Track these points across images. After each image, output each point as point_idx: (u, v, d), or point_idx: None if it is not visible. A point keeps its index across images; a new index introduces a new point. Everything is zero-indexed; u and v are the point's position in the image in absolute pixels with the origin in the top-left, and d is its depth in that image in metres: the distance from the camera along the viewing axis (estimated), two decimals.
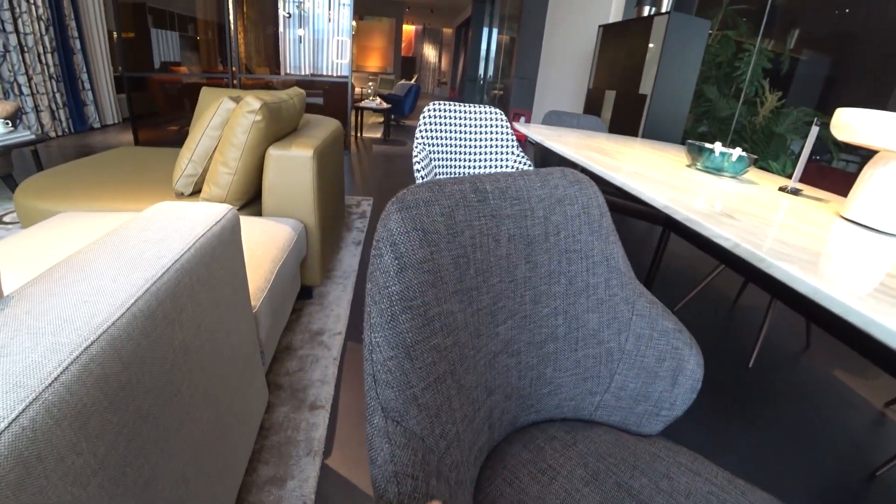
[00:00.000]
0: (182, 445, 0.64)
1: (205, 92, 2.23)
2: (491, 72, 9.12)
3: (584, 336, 0.75)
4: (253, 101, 1.44)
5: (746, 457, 1.34)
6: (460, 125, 1.88)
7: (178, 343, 0.63)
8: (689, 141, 1.46)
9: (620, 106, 3.55)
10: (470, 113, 1.89)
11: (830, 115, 1.09)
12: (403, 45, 15.01)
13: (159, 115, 5.32)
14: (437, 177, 1.85)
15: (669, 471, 0.68)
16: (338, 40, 6.34)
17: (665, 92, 3.16)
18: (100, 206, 1.57)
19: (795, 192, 1.32)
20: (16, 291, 0.51)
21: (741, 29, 4.35)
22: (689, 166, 1.44)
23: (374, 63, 13.94)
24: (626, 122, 3.43)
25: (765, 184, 1.39)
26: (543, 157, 2.60)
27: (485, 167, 1.96)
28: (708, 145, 1.37)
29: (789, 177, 2.05)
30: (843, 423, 1.59)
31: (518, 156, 1.95)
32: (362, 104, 6.36)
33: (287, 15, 6.19)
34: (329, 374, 1.43)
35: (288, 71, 6.29)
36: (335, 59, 6.41)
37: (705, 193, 1.09)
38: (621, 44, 3.64)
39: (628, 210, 1.96)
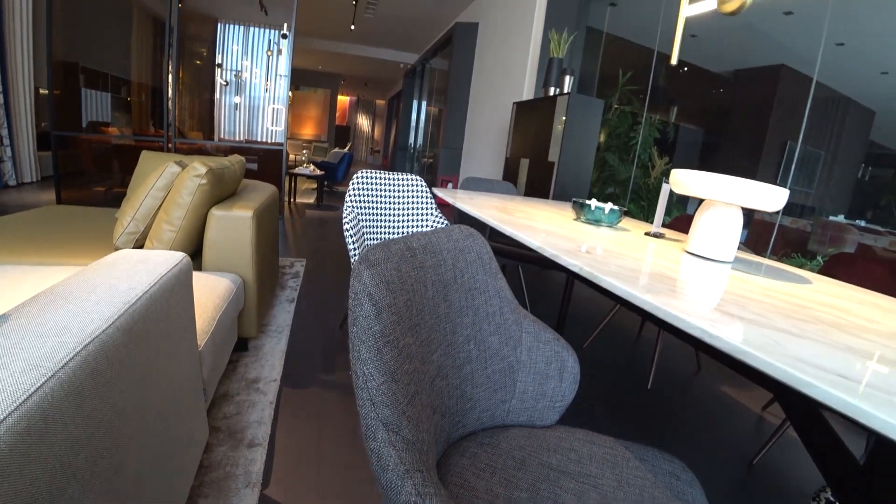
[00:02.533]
0: (140, 451, 0.75)
1: (145, 155, 2.34)
2: (421, 141, 9.70)
3: (490, 355, 0.95)
4: (199, 167, 1.60)
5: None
6: (386, 191, 2.12)
7: (144, 359, 0.75)
8: (574, 199, 1.77)
9: (533, 172, 3.99)
10: (394, 180, 2.13)
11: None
12: (338, 114, 15.59)
13: (84, 175, 5.20)
14: (365, 237, 2.06)
15: (573, 445, 0.87)
16: (273, 108, 6.59)
17: (570, 159, 3.62)
18: (35, 262, 1.61)
19: (658, 235, 1.64)
20: (12, 310, 0.63)
21: (635, 105, 5.08)
22: (575, 220, 1.74)
23: (308, 131, 14.32)
24: (539, 186, 3.85)
25: (635, 231, 1.71)
26: (461, 218, 2.88)
27: (408, 228, 2.18)
28: (587, 202, 1.68)
29: (671, 226, 2.44)
30: (728, 426, 1.88)
31: (436, 217, 2.20)
32: (296, 171, 6.55)
33: (224, 83, 6.40)
34: (265, 415, 1.52)
35: (222, 136, 6.40)
36: (270, 127, 6.63)
37: (582, 239, 1.36)
38: (532, 118, 4.14)
39: (525, 258, 2.23)
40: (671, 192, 1.64)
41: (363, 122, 16.85)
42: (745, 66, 5.98)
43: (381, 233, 2.14)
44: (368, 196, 2.07)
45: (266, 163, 5.85)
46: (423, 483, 0.49)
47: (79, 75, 5.84)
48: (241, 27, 6.63)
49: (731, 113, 5.91)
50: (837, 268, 1.85)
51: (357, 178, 2.06)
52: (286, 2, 5.58)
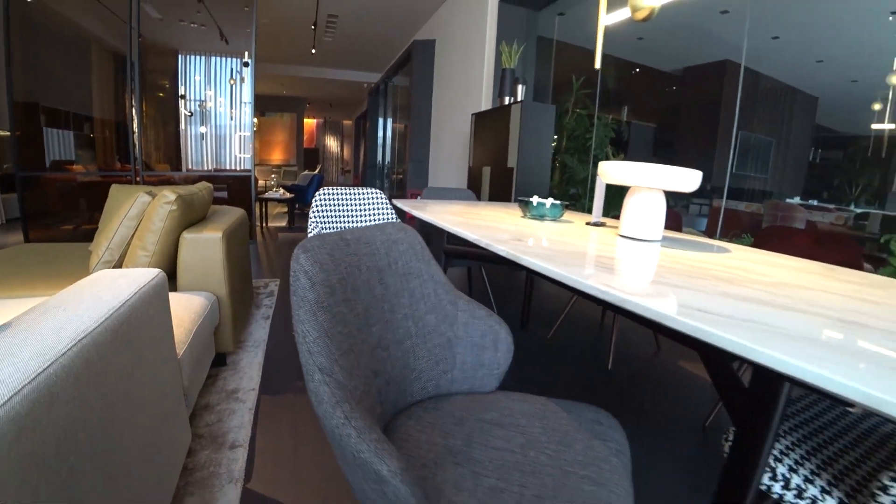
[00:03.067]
0: (130, 442, 0.86)
1: (115, 189, 2.42)
2: (389, 158, 9.85)
3: (430, 332, 1.08)
4: (169, 194, 1.70)
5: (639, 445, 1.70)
6: (348, 205, 2.25)
7: (129, 359, 0.86)
8: (519, 198, 1.93)
9: (495, 179, 4.17)
10: (355, 195, 2.27)
11: None
12: (306, 137, 15.67)
13: (51, 215, 5.19)
14: None
15: (508, 405, 1.01)
16: (240, 136, 6.67)
17: (527, 164, 3.80)
18: (12, 295, 1.68)
19: (599, 224, 1.80)
20: (12, 320, 0.74)
21: (590, 108, 5.33)
22: (522, 217, 1.90)
23: (277, 156, 14.35)
24: (500, 192, 4.02)
25: (578, 222, 1.87)
26: (423, 225, 3.02)
27: None
28: (529, 199, 1.84)
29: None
30: (683, 396, 2.05)
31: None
32: (266, 195, 6.62)
33: (189, 114, 6.46)
34: (245, 420, 1.61)
35: (190, 167, 6.44)
36: (238, 154, 6.70)
37: (524, 232, 1.51)
38: (490, 127, 4.33)
39: (483, 257, 2.38)
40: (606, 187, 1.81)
41: (332, 143, 16.96)
42: (693, 64, 6.33)
43: None
44: (331, 211, 2.20)
45: (236, 190, 5.92)
46: (350, 410, 0.63)
47: (39, 115, 5.83)
48: (203, 57, 6.71)
49: (683, 108, 6.24)
50: (771, 240, 2.06)
51: (319, 195, 2.19)
52: (246, 30, 5.71)
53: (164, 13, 5.99)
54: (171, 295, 1.70)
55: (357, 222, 2.28)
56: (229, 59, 6.49)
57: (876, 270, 2.94)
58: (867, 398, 0.47)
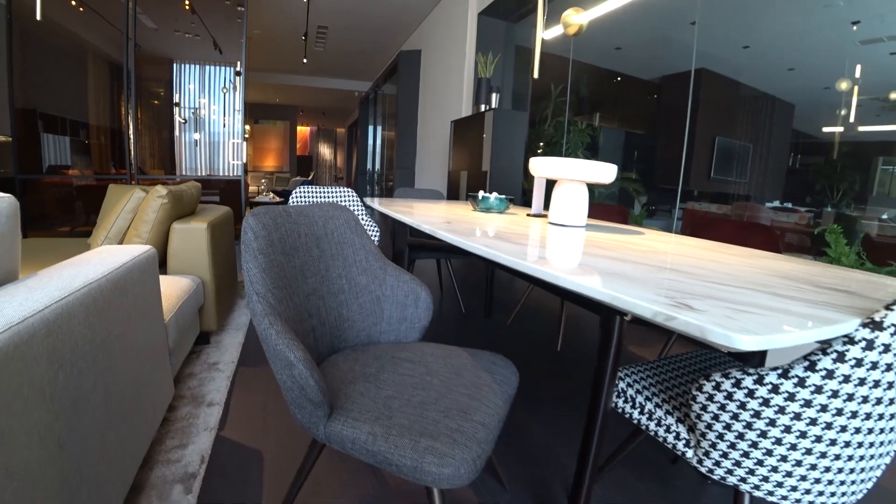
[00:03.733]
0: (121, 382, 1.10)
1: (112, 188, 2.66)
2: (379, 165, 10.12)
3: (361, 290, 1.33)
4: (161, 189, 1.95)
5: (558, 402, 1.94)
6: (322, 202, 2.50)
7: (124, 310, 1.10)
8: (469, 193, 2.19)
9: (472, 182, 4.43)
10: (329, 193, 2.52)
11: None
12: (299, 144, 15.94)
13: (48, 218, 5.41)
14: None
15: (423, 350, 1.25)
16: (233, 143, 6.91)
17: (500, 167, 4.07)
18: None
19: (539, 215, 2.06)
20: (41, 271, 0.98)
21: (567, 115, 5.61)
22: (474, 210, 2.15)
23: (270, 163, 14.60)
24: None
25: (522, 214, 2.13)
26: (391, 221, 3.28)
27: None
28: (477, 194, 2.10)
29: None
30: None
31: (366, 221, 2.59)
32: (257, 199, 6.86)
33: (183, 121, 6.70)
34: (223, 386, 1.85)
35: (184, 172, 6.67)
36: (231, 161, 6.94)
37: (466, 221, 1.75)
38: (467, 133, 4.60)
39: (436, 248, 2.63)
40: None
41: (325, 150, 17.24)
42: (671, 73, 6.64)
43: None
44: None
45: (228, 195, 6.17)
46: (274, 320, 0.88)
47: (37, 121, 6.06)
48: (197, 66, 6.94)
49: (661, 115, 6.56)
50: (701, 229, 2.34)
51: (296, 193, 2.43)
52: (239, 40, 5.96)
53: (159, 23, 6.24)
54: (162, 277, 1.93)
55: None
56: (223, 68, 6.74)
57: (816, 259, 3.18)
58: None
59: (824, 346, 0.68)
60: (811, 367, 0.69)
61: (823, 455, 0.74)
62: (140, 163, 5.77)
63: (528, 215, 2.08)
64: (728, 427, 0.81)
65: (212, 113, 6.93)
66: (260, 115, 14.43)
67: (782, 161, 6.08)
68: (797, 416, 0.72)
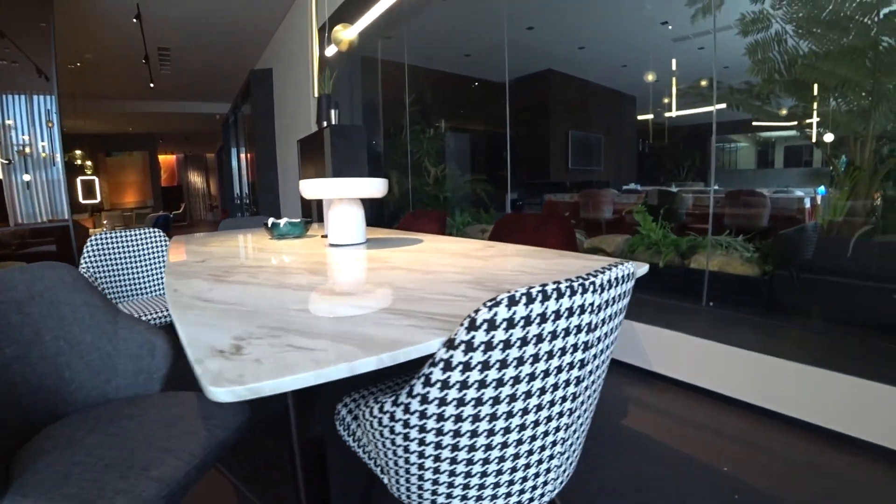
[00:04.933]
0: None
1: None
2: (247, 189, 9.64)
3: (86, 348, 1.18)
4: None
5: None
6: (126, 250, 2.29)
7: None
8: (264, 222, 2.08)
9: (318, 202, 4.32)
10: (131, 237, 2.29)
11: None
12: (165, 175, 14.74)
13: None
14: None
15: (153, 401, 1.12)
16: (80, 179, 6.13)
17: None
18: None
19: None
20: None
21: (421, 124, 5.66)
22: (271, 238, 2.05)
23: (131, 198, 13.31)
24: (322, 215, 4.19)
25: (319, 238, 2.06)
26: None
27: (154, 280, 2.34)
28: (271, 220, 2.01)
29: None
30: None
31: None
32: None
33: (6, 161, 5.79)
34: None
35: (19, 220, 5.74)
36: (83, 200, 6.14)
37: (260, 250, 1.66)
38: (311, 151, 4.49)
39: None
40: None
41: (196, 178, 16.06)
42: (521, 75, 7.02)
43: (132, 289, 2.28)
44: (105, 257, 2.21)
45: (63, 241, 5.47)
46: None
47: None
48: (23, 96, 6.04)
49: (517, 116, 6.90)
50: (505, 227, 2.42)
51: (90, 242, 2.15)
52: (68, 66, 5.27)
53: None
54: None
55: (135, 265, 2.29)
56: (51, 98, 5.96)
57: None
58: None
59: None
60: (409, 393, 0.67)
61: (453, 471, 0.73)
62: None
63: (322, 236, 2.02)
64: (385, 454, 0.79)
65: (41, 150, 6.11)
66: (113, 146, 13.10)
67: (632, 147, 6.68)
68: (421, 438, 0.71)
